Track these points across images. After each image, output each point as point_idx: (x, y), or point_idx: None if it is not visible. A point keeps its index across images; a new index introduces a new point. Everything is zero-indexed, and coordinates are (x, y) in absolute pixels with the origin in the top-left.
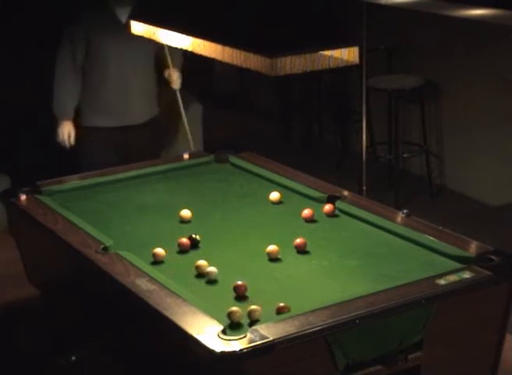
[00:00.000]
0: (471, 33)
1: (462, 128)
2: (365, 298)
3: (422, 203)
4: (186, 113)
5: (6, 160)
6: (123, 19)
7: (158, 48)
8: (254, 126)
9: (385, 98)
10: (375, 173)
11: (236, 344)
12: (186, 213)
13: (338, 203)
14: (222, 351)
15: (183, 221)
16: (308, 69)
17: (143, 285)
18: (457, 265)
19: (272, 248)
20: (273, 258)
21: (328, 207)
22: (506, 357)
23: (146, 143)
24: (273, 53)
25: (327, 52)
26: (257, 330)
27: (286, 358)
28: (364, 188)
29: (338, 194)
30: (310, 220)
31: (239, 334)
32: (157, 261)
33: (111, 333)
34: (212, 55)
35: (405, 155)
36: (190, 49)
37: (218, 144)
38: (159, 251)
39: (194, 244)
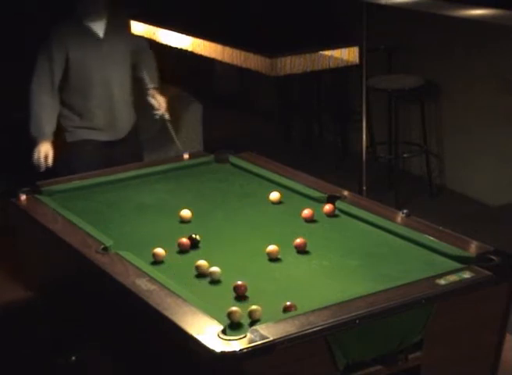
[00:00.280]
0: (471, 33)
1: (462, 128)
2: (365, 298)
3: (422, 203)
4: (185, 115)
5: (6, 160)
6: (101, 34)
7: (134, 55)
8: (254, 126)
9: (385, 98)
10: (375, 173)
11: (236, 344)
12: (186, 213)
13: (338, 203)
14: (222, 351)
15: (183, 221)
16: (308, 69)
17: (143, 285)
18: (457, 265)
19: (272, 248)
20: (273, 258)
21: (328, 207)
22: (506, 357)
23: (130, 151)
24: (273, 53)
25: (327, 52)
26: (257, 330)
27: (286, 358)
28: (364, 188)
29: (338, 194)
30: (310, 220)
31: (239, 334)
32: (157, 261)
33: (111, 333)
34: (212, 55)
35: (405, 155)
36: (190, 49)
37: (218, 144)
38: (159, 251)
39: (194, 244)
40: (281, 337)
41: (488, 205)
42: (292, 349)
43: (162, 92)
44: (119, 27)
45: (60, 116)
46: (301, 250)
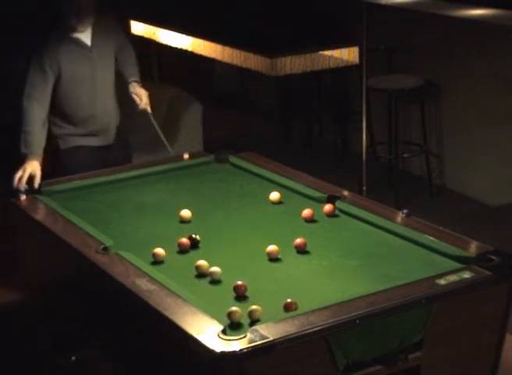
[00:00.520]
0: (471, 33)
1: (462, 128)
2: (365, 298)
3: (422, 203)
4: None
5: (6, 160)
6: (88, 43)
7: (116, 53)
8: (254, 126)
9: (385, 98)
10: (375, 173)
11: (236, 344)
12: (186, 213)
13: (338, 203)
14: (222, 351)
15: (183, 221)
16: (308, 69)
17: (143, 285)
18: (457, 265)
19: (271, 248)
20: (273, 258)
21: (328, 207)
22: (506, 357)
23: (122, 153)
24: (273, 53)
25: (327, 52)
26: (257, 330)
27: (286, 358)
28: (364, 188)
29: (338, 194)
30: (310, 220)
31: (239, 334)
32: (157, 261)
33: (111, 333)
34: (212, 55)
35: (405, 155)
36: (190, 49)
37: (218, 144)
38: (159, 251)
39: (194, 244)
40: (281, 337)
41: (488, 205)
42: (292, 349)
43: (144, 86)
44: (103, 31)
45: (52, 125)
46: (301, 250)
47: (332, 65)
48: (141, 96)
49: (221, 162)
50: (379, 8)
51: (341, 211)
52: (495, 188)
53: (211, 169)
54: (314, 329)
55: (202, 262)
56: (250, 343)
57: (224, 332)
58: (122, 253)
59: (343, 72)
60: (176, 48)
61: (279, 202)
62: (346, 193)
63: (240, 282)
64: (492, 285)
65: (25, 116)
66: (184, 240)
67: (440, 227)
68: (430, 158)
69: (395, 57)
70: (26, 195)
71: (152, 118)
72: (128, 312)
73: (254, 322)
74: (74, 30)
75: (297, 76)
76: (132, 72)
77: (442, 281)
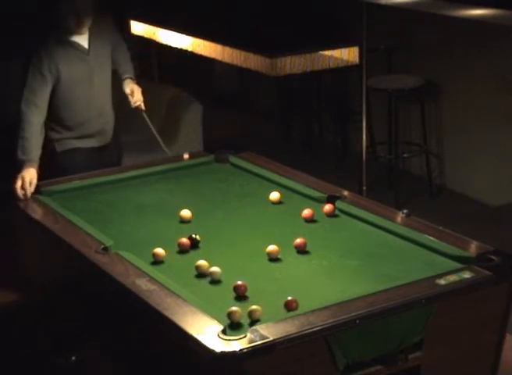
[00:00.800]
0: (471, 33)
1: (462, 128)
2: (365, 298)
3: (422, 203)
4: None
5: (6, 160)
6: (86, 46)
7: (112, 52)
8: (254, 126)
9: (385, 98)
10: (375, 173)
11: (236, 344)
12: (186, 213)
13: (338, 203)
14: (222, 351)
15: (183, 221)
16: (308, 69)
17: (143, 285)
18: (457, 265)
19: (271, 248)
20: (273, 258)
21: (328, 207)
22: (506, 357)
23: (116, 153)
24: (273, 53)
25: (327, 52)
26: (257, 330)
27: (286, 358)
28: (364, 188)
29: (338, 194)
30: (310, 220)
31: (239, 334)
32: (157, 261)
33: (111, 333)
34: (212, 55)
35: (405, 155)
36: (190, 49)
37: (218, 144)
38: (159, 251)
39: (194, 244)
40: (281, 337)
41: (488, 205)
42: (292, 349)
43: (143, 85)
44: (99, 33)
45: (49, 130)
46: (301, 250)
47: (332, 65)
48: (134, 93)
49: (221, 162)
50: (379, 8)
51: (341, 211)
52: (495, 188)
53: (211, 169)
54: (314, 329)
55: (202, 262)
56: (250, 343)
57: (224, 332)
58: (122, 253)
59: (343, 72)
60: (176, 48)
61: (279, 202)
62: (346, 193)
63: (239, 282)
64: (492, 285)
65: (23, 122)
66: (184, 240)
67: (440, 227)
68: (430, 158)
69: (395, 57)
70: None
71: (146, 116)
72: (128, 312)
73: (254, 322)
74: (72, 32)
75: (297, 76)
76: (126, 69)
77: (442, 281)
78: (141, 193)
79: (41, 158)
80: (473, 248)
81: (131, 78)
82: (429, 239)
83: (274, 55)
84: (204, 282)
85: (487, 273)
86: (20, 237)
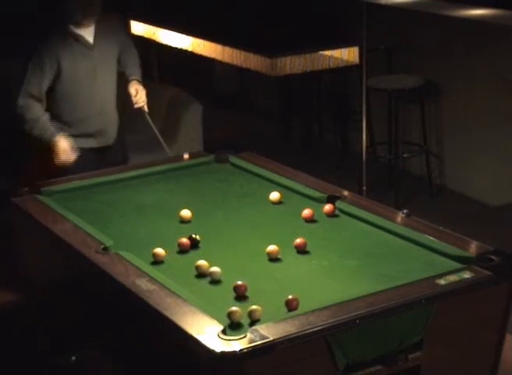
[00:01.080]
0: (471, 33)
1: (462, 128)
2: (365, 298)
3: (422, 203)
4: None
5: (6, 160)
6: (91, 41)
7: (119, 54)
8: (254, 126)
9: (385, 98)
10: (375, 173)
11: (236, 344)
12: (186, 213)
13: (338, 203)
14: (222, 351)
15: (183, 221)
16: (308, 69)
17: (143, 285)
18: (457, 265)
19: (271, 248)
20: (273, 258)
21: (328, 207)
22: (506, 357)
23: (120, 154)
24: (273, 53)
25: (327, 52)
26: (257, 330)
27: (286, 358)
28: (364, 188)
29: (338, 194)
30: (310, 220)
31: (239, 334)
32: (157, 261)
33: (111, 333)
34: (212, 55)
35: (405, 155)
36: (190, 49)
37: (218, 144)
38: (159, 251)
39: (194, 244)
40: (281, 337)
41: (488, 205)
42: (292, 349)
43: (144, 86)
44: (106, 31)
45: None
46: (301, 250)
47: (332, 65)
48: (138, 93)
49: (221, 162)
50: (379, 8)
51: (341, 211)
52: (495, 188)
53: (211, 169)
54: (314, 329)
55: (202, 262)
56: (250, 343)
57: (224, 332)
58: (122, 253)
59: (343, 72)
60: (176, 48)
61: (279, 202)
62: (346, 193)
63: (239, 282)
64: (492, 285)
65: (25, 113)
66: (184, 240)
67: (440, 227)
68: (430, 158)
69: (395, 57)
70: (27, 195)
71: (148, 117)
72: (128, 312)
73: (254, 322)
74: (78, 25)
75: (297, 76)
76: (133, 71)
77: (442, 281)
78: (141, 193)
79: (41, 157)
80: (473, 248)
81: (138, 80)
82: (429, 239)
83: (274, 55)
84: (204, 282)
85: (487, 273)
86: (20, 237)
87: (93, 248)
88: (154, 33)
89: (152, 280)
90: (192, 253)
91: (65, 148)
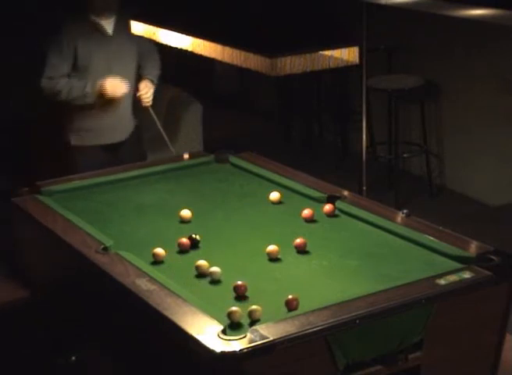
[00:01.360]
0: (471, 33)
1: (462, 128)
2: (365, 298)
3: (422, 203)
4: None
5: (6, 160)
6: (110, 31)
7: (140, 56)
8: (254, 126)
9: (385, 98)
10: (375, 173)
11: (236, 344)
12: (186, 213)
13: (338, 203)
14: (222, 351)
15: (183, 221)
16: (308, 69)
17: (143, 285)
18: (457, 265)
19: (271, 248)
20: (273, 258)
21: (328, 207)
22: (506, 357)
23: (132, 158)
24: (273, 53)
25: (327, 52)
26: (257, 330)
27: (286, 358)
28: (364, 188)
29: (338, 194)
30: (310, 220)
31: (239, 334)
32: (157, 261)
33: (111, 333)
34: (212, 55)
35: (405, 155)
36: (190, 49)
37: (218, 144)
38: (159, 251)
39: (194, 244)
40: (281, 337)
41: (488, 205)
42: (292, 349)
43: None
44: (127, 26)
45: (64, 117)
46: (301, 250)
47: (332, 65)
48: (145, 89)
49: (221, 162)
50: (379, 8)
51: (341, 211)
52: (495, 188)
53: (211, 169)
54: (314, 329)
55: (202, 262)
56: (250, 343)
57: (224, 332)
58: (122, 253)
59: (343, 72)
60: (176, 48)
61: (279, 202)
62: (346, 193)
63: (239, 282)
64: (492, 285)
65: (53, 87)
66: (184, 240)
67: (440, 227)
68: (430, 158)
69: (395, 57)
70: (26, 195)
71: (153, 113)
72: (128, 312)
73: (254, 322)
74: (98, 14)
75: (297, 76)
76: (150, 72)
77: (442, 281)
78: (141, 193)
79: (55, 151)
80: (473, 248)
81: (151, 80)
82: (429, 239)
83: (274, 55)
84: (204, 282)
85: (487, 273)
86: (20, 237)
87: (93, 248)
88: (154, 34)
89: (152, 280)
90: (192, 253)
91: (110, 83)
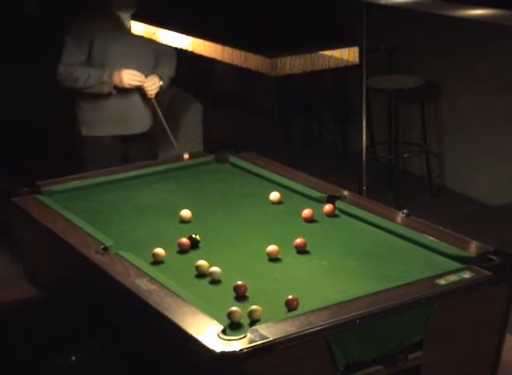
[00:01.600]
0: (471, 33)
1: (462, 128)
2: (365, 298)
3: (422, 203)
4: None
5: (6, 160)
6: (127, 23)
7: (156, 57)
8: (254, 126)
9: (385, 98)
10: (375, 173)
11: (236, 344)
12: (186, 213)
13: (338, 203)
14: (222, 351)
15: (183, 221)
16: (308, 69)
17: (143, 285)
18: (457, 265)
19: (271, 248)
20: (273, 258)
21: (328, 207)
22: (506, 357)
23: (143, 155)
24: (273, 53)
25: (327, 52)
26: (257, 330)
27: (286, 358)
28: (364, 188)
29: (338, 194)
30: (310, 220)
31: (239, 334)
32: (157, 261)
33: (111, 333)
34: (212, 55)
35: (405, 155)
36: (190, 49)
37: (218, 144)
38: (159, 251)
39: (194, 244)
40: (281, 337)
41: (488, 205)
42: (292, 349)
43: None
44: None
45: (76, 108)
46: (301, 250)
47: (332, 65)
48: (151, 81)
49: (221, 162)
50: (379, 8)
51: (341, 211)
52: (495, 188)
53: (211, 169)
54: (314, 329)
55: (202, 262)
56: (250, 343)
57: (224, 332)
58: (122, 253)
59: (343, 72)
60: (176, 48)
61: (279, 202)
62: (346, 193)
63: (240, 282)
64: (492, 285)
65: (70, 74)
66: (184, 240)
67: (440, 227)
68: (430, 158)
69: (395, 57)
70: (26, 195)
71: (156, 105)
72: (128, 312)
73: (254, 322)
74: (118, 7)
75: (297, 76)
76: (161, 69)
77: (442, 281)
78: (141, 193)
79: (65, 141)
80: (473, 248)
81: (159, 75)
82: (429, 239)
83: (274, 55)
84: (204, 282)
85: (487, 273)
86: (20, 237)
87: (93, 248)
88: (154, 34)
89: (152, 280)
90: (192, 253)
91: (128, 73)
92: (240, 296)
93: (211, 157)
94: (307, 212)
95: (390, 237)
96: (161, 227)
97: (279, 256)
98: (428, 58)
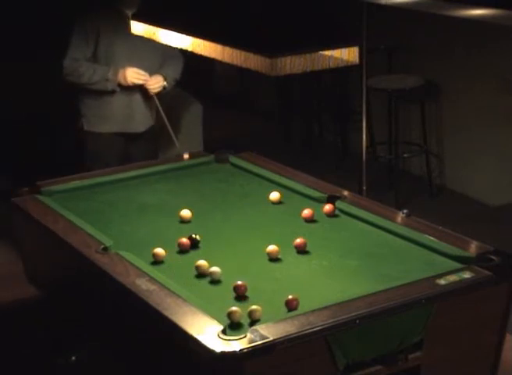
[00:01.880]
0: (471, 33)
1: (462, 128)
2: (365, 298)
3: (422, 203)
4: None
5: (6, 160)
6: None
7: (162, 58)
8: (254, 126)
9: (385, 98)
10: (375, 173)
11: (236, 344)
12: (186, 213)
13: (338, 203)
14: (222, 351)
15: (183, 221)
16: (308, 69)
17: (143, 285)
18: (457, 265)
19: (271, 248)
20: (273, 258)
21: (328, 207)
22: (506, 357)
23: (144, 154)
24: (273, 53)
25: (327, 52)
26: (257, 330)
27: (286, 358)
28: (364, 188)
29: (338, 194)
30: (310, 220)
31: (239, 334)
32: (157, 261)
33: (111, 333)
34: (212, 55)
35: (405, 155)
36: (190, 49)
37: (218, 144)
38: (159, 251)
39: (194, 244)
40: (281, 337)
41: (488, 205)
42: (292, 349)
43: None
44: None
45: (80, 103)
46: (301, 250)
47: (332, 65)
48: (154, 79)
49: (221, 162)
50: (379, 8)
51: (341, 211)
52: (495, 188)
53: (211, 169)
54: (314, 329)
55: (202, 262)
56: (250, 343)
57: (224, 332)
58: (122, 253)
59: (343, 72)
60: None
61: (279, 202)
62: (346, 193)
63: (239, 282)
64: (492, 285)
65: (75, 69)
66: (184, 240)
67: (440, 227)
68: (430, 158)
69: (395, 57)
70: (26, 195)
71: (158, 103)
72: (128, 312)
73: (254, 322)
74: (125, 4)
75: (297, 76)
76: (165, 70)
77: (442, 281)
78: (141, 193)
79: (68, 137)
80: (473, 248)
81: (163, 75)
82: (429, 239)
83: (274, 55)
84: (204, 282)
85: (487, 273)
86: (20, 237)
87: (93, 248)
88: (154, 33)
89: (152, 280)
90: (192, 253)
91: (132, 71)
92: (240, 296)
93: (211, 157)
94: (307, 212)
95: (390, 237)
96: (162, 227)
97: (279, 256)
98: (428, 58)
